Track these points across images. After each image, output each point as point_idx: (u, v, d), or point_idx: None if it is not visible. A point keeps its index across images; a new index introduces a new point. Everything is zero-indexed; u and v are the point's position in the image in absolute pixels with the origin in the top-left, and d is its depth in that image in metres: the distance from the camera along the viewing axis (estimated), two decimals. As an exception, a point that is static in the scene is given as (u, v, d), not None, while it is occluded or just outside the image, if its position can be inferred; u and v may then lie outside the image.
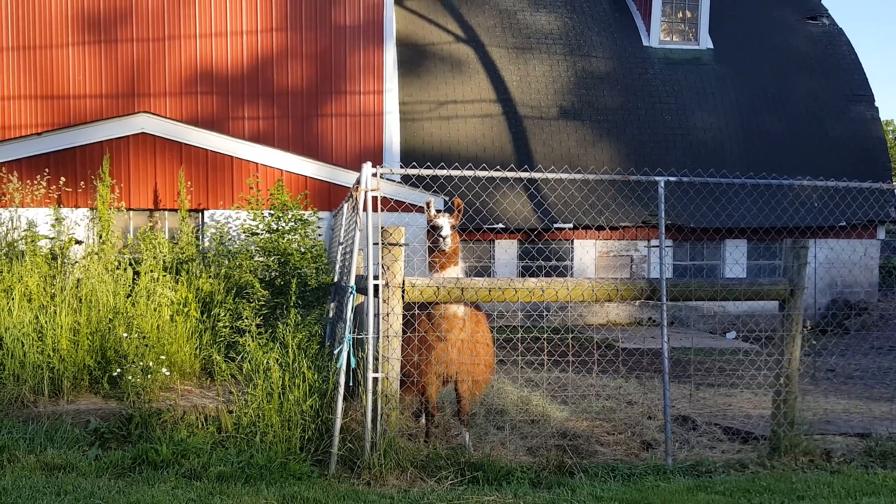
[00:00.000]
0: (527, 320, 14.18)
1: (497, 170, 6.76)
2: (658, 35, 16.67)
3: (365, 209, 6.22)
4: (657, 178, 6.94)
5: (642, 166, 14.66)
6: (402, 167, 12.71)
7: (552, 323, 14.97)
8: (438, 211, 6.73)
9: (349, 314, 6.20)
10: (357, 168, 6.25)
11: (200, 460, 5.95)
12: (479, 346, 6.74)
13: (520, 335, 7.18)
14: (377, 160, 13.32)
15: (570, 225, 14.66)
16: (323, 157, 12.83)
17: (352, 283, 6.26)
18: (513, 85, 15.47)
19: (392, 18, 13.87)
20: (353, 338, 6.23)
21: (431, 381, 6.62)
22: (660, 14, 16.58)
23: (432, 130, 14.75)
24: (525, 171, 7.01)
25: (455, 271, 6.64)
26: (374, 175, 6.30)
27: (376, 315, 6.22)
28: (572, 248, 15.19)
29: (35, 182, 8.80)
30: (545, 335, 7.62)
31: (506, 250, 14.75)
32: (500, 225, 14.26)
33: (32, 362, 6.82)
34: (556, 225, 14.63)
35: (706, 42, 16.97)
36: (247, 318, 6.52)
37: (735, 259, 15.34)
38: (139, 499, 5.25)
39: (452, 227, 6.60)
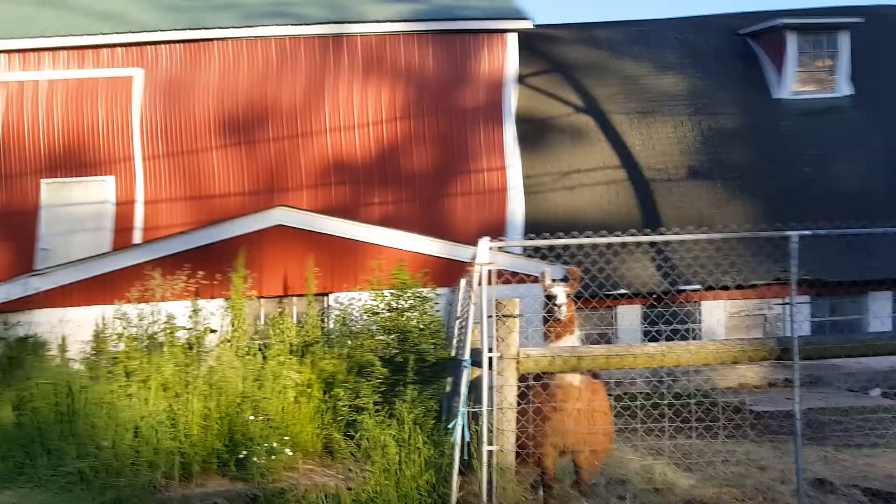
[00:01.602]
0: (658, 387, 13.44)
1: (616, 234, 6.57)
2: (790, 86, 15.91)
3: (480, 283, 6.21)
4: (789, 233, 6.49)
5: (779, 220, 13.72)
6: (525, 239, 12.66)
7: (679, 388, 14.09)
8: (554, 280, 6.62)
9: (464, 388, 6.15)
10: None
11: (322, 539, 5.95)
12: (596, 415, 6.48)
13: (638, 402, 6.79)
14: (500, 234, 13.31)
15: (697, 286, 13.91)
16: (448, 235, 12.99)
17: (466, 356, 6.23)
18: (636, 149, 15.17)
19: (511, 96, 14.11)
20: (468, 411, 6.13)
21: (548, 453, 6.43)
22: (795, 64, 15.83)
23: (556, 201, 14.64)
24: (645, 233, 6.76)
25: (571, 340, 6.48)
26: (491, 249, 6.32)
27: (490, 387, 6.11)
28: (699, 309, 14.39)
29: (175, 276, 9.44)
30: (666, 401, 7.19)
31: (627, 316, 14.19)
32: (622, 290, 13.76)
33: (166, 448, 7.13)
34: (681, 287, 13.90)
35: (845, 89, 16.01)
36: (364, 396, 6.56)
37: (877, 313, 13.99)
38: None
39: (568, 295, 6.50)
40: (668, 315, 13.99)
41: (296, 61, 14.06)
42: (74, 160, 13.93)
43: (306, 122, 13.96)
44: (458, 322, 7.55)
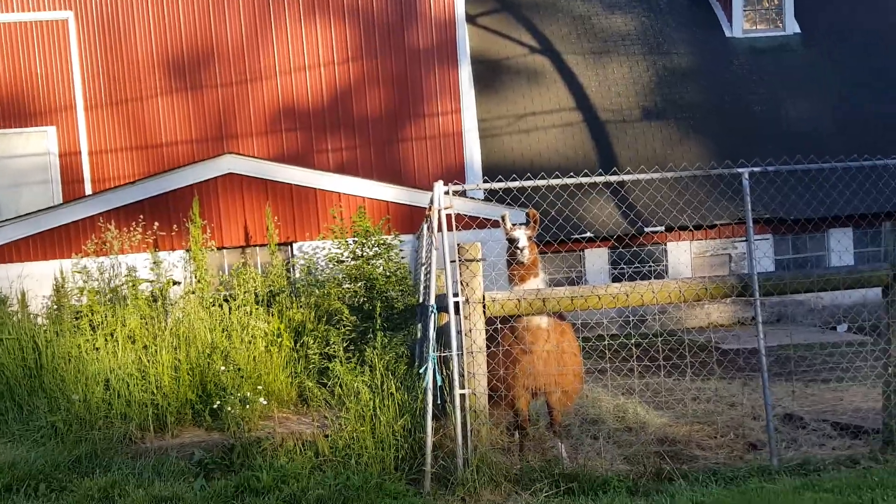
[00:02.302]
0: (625, 327, 13.82)
1: (570, 176, 6.68)
2: (741, 25, 16.08)
3: (440, 228, 6.24)
4: (740, 171, 6.67)
5: (734, 160, 14.09)
6: (485, 183, 12.71)
7: (652, 329, 14.51)
8: (514, 224, 6.68)
9: (432, 333, 6.23)
10: (439, 189, 6.29)
11: (299, 485, 6.07)
12: (565, 356, 6.63)
13: (606, 342, 7.00)
14: (459, 179, 13.36)
15: (662, 227, 14.24)
16: (406, 181, 12.99)
17: (432, 301, 6.29)
18: (592, 90, 15.24)
19: (465, 37, 13.95)
20: (438, 356, 6.25)
21: (520, 395, 6.56)
22: (741, 3, 16.00)
23: (512, 145, 14.69)
24: (600, 174, 6.87)
25: (535, 283, 6.57)
26: (447, 193, 6.33)
27: (459, 332, 6.22)
28: (666, 250, 14.74)
29: (132, 229, 9.31)
30: (633, 340, 7.41)
31: (595, 258, 14.46)
32: (589, 233, 13.99)
33: (138, 400, 7.15)
34: (647, 228, 14.23)
35: (793, 27, 16.24)
36: (334, 344, 6.64)
37: (839, 249, 14.50)
38: (242, 527, 5.40)
39: (529, 238, 6.55)
40: (636, 256, 14.33)
41: (237, -1, 13.63)
42: (12, 110, 13.40)
43: (254, 65, 13.62)
44: (423, 268, 7.61)
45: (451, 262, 6.25)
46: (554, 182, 6.65)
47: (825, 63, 15.91)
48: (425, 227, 7.87)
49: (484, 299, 6.28)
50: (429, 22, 13.79)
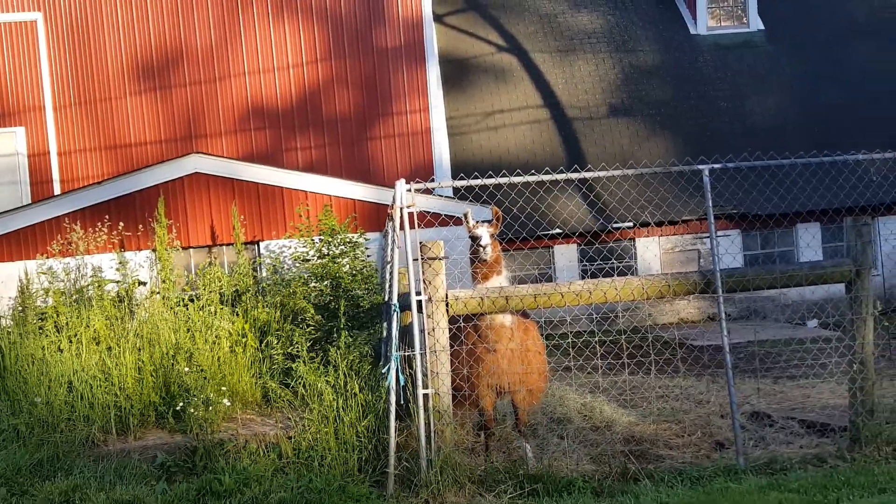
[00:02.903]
0: (592, 325, 13.91)
1: (532, 174, 6.70)
2: (705, 22, 16.26)
3: (402, 226, 6.25)
4: (700, 167, 6.75)
5: (700, 156, 14.23)
6: (453, 181, 12.72)
7: (622, 326, 14.60)
8: (477, 221, 6.70)
9: (394, 332, 6.23)
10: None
11: (262, 487, 6.04)
12: (530, 354, 6.65)
13: (570, 339, 7.04)
14: (427, 177, 13.36)
15: (630, 223, 14.35)
16: (375, 179, 12.99)
17: (394, 300, 6.29)
18: (559, 88, 15.33)
19: (433, 37, 13.97)
20: (402, 355, 6.25)
21: (485, 394, 6.56)
22: (706, 0, 16.18)
23: (481, 142, 14.75)
24: (560, 172, 6.90)
25: (499, 280, 6.59)
26: (409, 191, 6.34)
27: (421, 331, 6.23)
28: (634, 246, 14.87)
29: (97, 229, 9.24)
30: (597, 337, 7.44)
31: (565, 255, 14.56)
32: (557, 230, 14.08)
33: (101, 402, 7.09)
34: (614, 224, 14.34)
35: (756, 23, 16.44)
36: (297, 344, 6.62)
37: (807, 244, 14.70)
38: (201, 530, 5.38)
39: (492, 235, 6.57)
40: (604, 252, 14.42)
41: (205, 1, 13.53)
42: (-19, 110, 13.25)
43: (222, 65, 13.56)
44: (388, 266, 7.62)
45: (414, 260, 6.25)
46: (516, 180, 6.69)
47: (789, 58, 16.14)
48: (389, 225, 7.88)
49: (447, 297, 6.30)
50: (396, 22, 13.79)
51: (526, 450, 6.63)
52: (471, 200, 12.16)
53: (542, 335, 7.07)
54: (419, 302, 6.21)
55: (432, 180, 12.62)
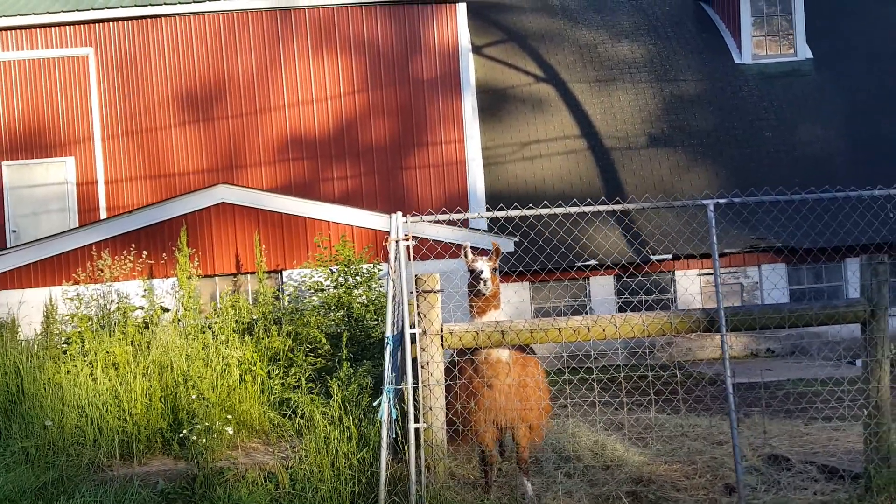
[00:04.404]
0: (631, 358, 13.62)
1: (559, 205, 6.57)
2: (750, 50, 15.91)
3: (397, 258, 6.24)
4: (705, 202, 6.55)
5: (744, 187, 13.87)
6: (487, 211, 12.70)
7: (658, 361, 14.25)
8: (476, 255, 6.63)
9: (387, 364, 6.19)
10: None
11: (255, 518, 6.08)
12: (528, 390, 6.51)
13: (594, 374, 6.86)
14: (462, 206, 13.43)
15: (669, 256, 14.02)
16: (409, 208, 13.08)
17: (387, 332, 6.26)
18: (597, 118, 15.20)
19: (469, 67, 14.07)
20: (394, 388, 6.21)
21: (484, 430, 6.45)
22: (750, 29, 15.85)
23: (516, 172, 14.70)
24: (574, 205, 6.77)
25: (496, 315, 6.49)
26: (405, 223, 6.34)
27: (415, 364, 6.18)
28: (674, 279, 14.50)
29: (124, 257, 9.55)
30: (622, 374, 7.24)
31: (601, 287, 14.30)
32: (593, 261, 13.85)
33: (110, 427, 7.25)
34: (653, 257, 14.04)
35: (804, 52, 16.01)
36: (294, 374, 6.66)
37: (852, 279, 14.10)
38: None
39: (492, 269, 6.48)
40: (640, 286, 14.12)
41: (247, 37, 14.00)
42: (34, 142, 13.95)
43: (262, 98, 13.96)
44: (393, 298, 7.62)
45: (410, 292, 6.23)
46: (528, 213, 6.59)
47: (838, 88, 15.64)
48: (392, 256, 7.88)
49: (442, 331, 6.25)
50: (433, 53, 13.96)
51: (526, 487, 6.48)
52: (507, 231, 12.11)
53: (545, 370, 6.93)
54: (413, 335, 6.17)
55: (458, 210, 12.69)
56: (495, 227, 13.48)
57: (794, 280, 14.63)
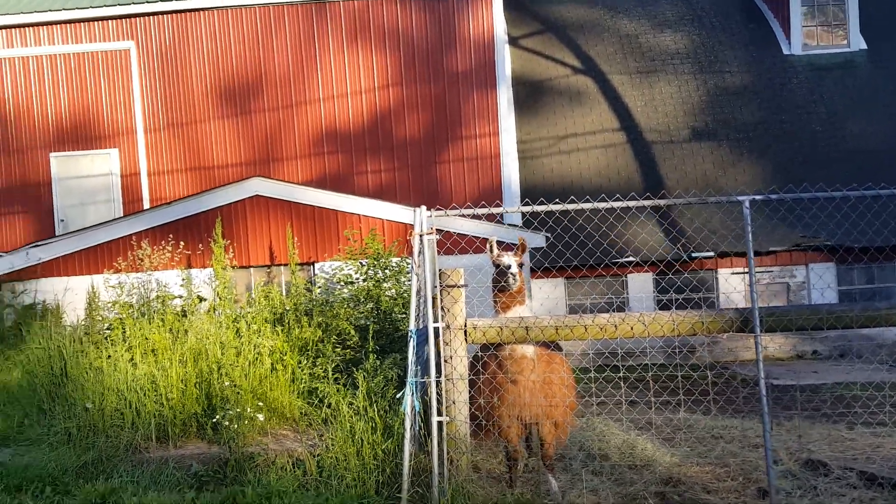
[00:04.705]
0: (674, 357, 13.42)
1: (586, 201, 6.53)
2: (800, 41, 15.49)
3: (420, 253, 6.26)
4: (740, 198, 6.40)
5: (791, 182, 13.52)
6: (524, 205, 12.64)
7: (702, 360, 13.97)
8: (501, 249, 6.61)
9: (411, 357, 6.23)
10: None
11: (281, 502, 6.18)
12: (553, 387, 6.48)
13: (637, 373, 6.79)
14: (496, 201, 13.36)
15: (710, 253, 13.75)
16: (442, 202, 13.12)
17: (411, 326, 6.29)
18: (637, 110, 14.98)
19: (504, 60, 13.99)
20: (417, 382, 6.24)
21: (508, 425, 6.44)
22: (800, 19, 15.42)
23: (552, 166, 14.58)
24: (590, 201, 6.69)
25: (521, 310, 6.46)
26: (429, 217, 6.35)
27: (438, 358, 6.20)
28: (715, 277, 14.23)
29: (162, 247, 9.79)
30: (667, 372, 7.13)
31: (638, 284, 14.11)
32: (630, 257, 13.69)
33: (147, 411, 7.46)
34: (695, 254, 13.78)
35: (858, 42, 15.51)
36: (320, 365, 6.74)
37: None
38: (213, 541, 5.54)
39: (519, 264, 6.45)
40: (681, 284, 13.88)
41: (284, 30, 14.16)
42: (80, 134, 14.36)
43: (298, 92, 14.13)
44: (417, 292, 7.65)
45: (434, 287, 6.25)
46: (554, 207, 6.53)
47: (892, 79, 15.10)
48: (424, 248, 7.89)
49: (465, 326, 6.25)
50: (468, 46, 13.93)
51: (551, 484, 6.46)
52: (545, 226, 12.03)
53: (571, 368, 6.88)
54: (436, 329, 6.18)
55: (497, 204, 12.64)
56: (535, 221, 13.37)
57: (844, 280, 14.21)
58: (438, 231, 10.89)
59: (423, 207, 6.30)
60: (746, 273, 14.25)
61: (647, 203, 6.45)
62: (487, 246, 6.58)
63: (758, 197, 6.47)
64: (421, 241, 6.25)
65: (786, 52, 15.56)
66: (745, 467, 7.10)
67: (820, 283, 13.73)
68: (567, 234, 11.90)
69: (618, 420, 8.25)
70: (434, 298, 6.26)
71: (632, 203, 6.46)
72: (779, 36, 15.77)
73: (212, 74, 14.14)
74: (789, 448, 7.53)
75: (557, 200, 7.23)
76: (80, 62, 14.35)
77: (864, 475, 6.68)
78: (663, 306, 13.94)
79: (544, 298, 13.63)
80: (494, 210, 6.27)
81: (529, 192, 13.76)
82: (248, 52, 14.14)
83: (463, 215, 6.37)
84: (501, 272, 6.32)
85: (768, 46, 15.67)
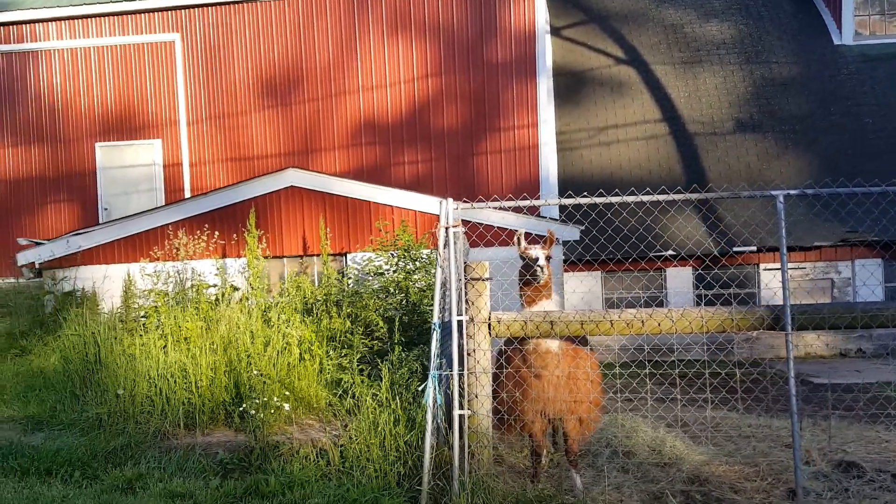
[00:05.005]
0: (718, 353, 13.19)
1: (615, 194, 6.40)
2: (852, 31, 14.97)
3: (446, 245, 6.22)
4: (775, 193, 6.20)
5: (839, 175, 13.15)
6: (562, 198, 12.51)
7: (738, 357, 13.70)
8: (529, 242, 6.53)
9: (434, 350, 6.20)
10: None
11: (303, 492, 6.22)
12: (579, 382, 6.39)
13: (647, 370, 6.68)
14: (534, 192, 13.25)
15: (753, 248, 13.42)
16: (479, 194, 13.04)
17: (434, 319, 6.26)
18: (680, 102, 14.66)
19: (545, 51, 13.83)
20: (440, 374, 6.21)
21: (532, 420, 6.37)
22: (851, 8, 14.90)
23: (591, 158, 14.37)
24: (631, 194, 6.56)
25: (548, 304, 6.38)
26: (455, 209, 6.30)
27: (461, 351, 6.16)
28: (758, 273, 13.89)
29: (197, 237, 9.93)
30: (677, 370, 7.00)
31: (680, 279, 13.84)
32: (671, 251, 13.43)
33: (177, 399, 7.57)
34: (735, 248, 13.47)
35: (912, 31, 14.96)
36: (347, 355, 6.76)
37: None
38: (232, 528, 5.60)
39: (547, 257, 6.37)
40: (722, 278, 13.59)
41: (325, 21, 14.21)
42: (125, 124, 14.65)
43: (338, 83, 14.18)
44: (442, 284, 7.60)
45: (458, 280, 6.21)
46: (582, 200, 6.43)
47: (947, 71, 14.52)
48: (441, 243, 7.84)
49: (489, 319, 6.19)
50: (508, 36, 13.79)
51: (575, 480, 6.38)
52: (588, 218, 11.87)
53: (599, 364, 6.79)
54: (459, 322, 6.14)
55: (525, 197, 12.51)
56: (577, 213, 13.20)
57: (891, 277, 13.76)
58: (470, 223, 10.90)
59: (450, 199, 6.25)
60: (789, 268, 13.88)
61: (677, 197, 6.29)
62: (515, 239, 6.52)
63: (792, 191, 6.26)
64: (446, 233, 6.21)
65: (836, 42, 15.06)
66: (775, 467, 6.93)
67: (870, 280, 13.30)
68: (610, 227, 11.74)
69: (650, 417, 8.13)
70: (459, 291, 6.23)
71: (661, 197, 6.31)
72: (829, 26, 15.27)
73: (253, 66, 14.29)
74: (822, 449, 7.32)
75: (585, 194, 7.14)
76: (127, 54, 14.64)
77: (898, 477, 6.49)
78: (707, 302, 13.68)
79: (584, 292, 13.48)
80: (521, 203, 6.19)
81: (568, 184, 13.60)
82: (289, 44, 14.24)
83: (492, 207, 6.31)
84: (528, 265, 6.26)
85: (818, 36, 15.19)
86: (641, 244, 12.95)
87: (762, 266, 13.82)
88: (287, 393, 7.64)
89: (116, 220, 11.48)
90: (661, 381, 9.15)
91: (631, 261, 12.43)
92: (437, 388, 6.11)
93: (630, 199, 6.30)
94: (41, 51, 14.72)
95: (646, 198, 6.33)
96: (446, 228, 6.24)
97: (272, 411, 7.37)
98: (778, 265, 13.78)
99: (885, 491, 6.40)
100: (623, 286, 13.89)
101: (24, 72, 14.75)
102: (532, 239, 8.28)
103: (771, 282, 13.73)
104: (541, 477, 6.58)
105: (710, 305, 8.04)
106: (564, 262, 12.99)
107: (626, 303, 13.66)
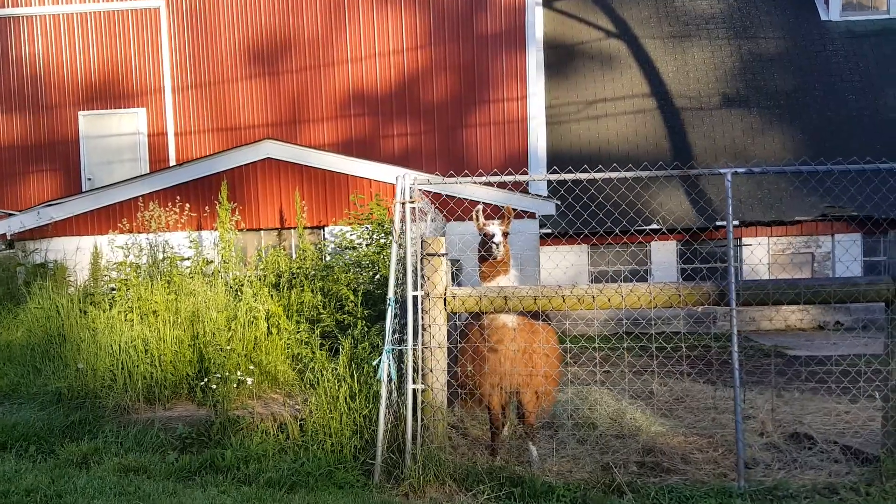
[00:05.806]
0: (696, 326, 13.25)
1: (599, 170, 6.36)
2: (839, 7, 14.78)
3: (402, 221, 6.21)
4: (723, 171, 6.17)
5: (822, 154, 13.10)
6: (549, 172, 12.45)
7: (723, 329, 13.74)
8: (486, 218, 6.53)
9: (388, 325, 6.22)
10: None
11: (259, 466, 6.26)
12: (535, 356, 6.43)
13: (626, 343, 6.70)
14: (522, 166, 13.19)
15: (736, 222, 13.40)
16: (468, 167, 12.99)
17: (389, 294, 6.28)
18: (668, 76, 14.54)
19: (536, 22, 13.67)
20: (395, 349, 6.24)
21: (489, 393, 6.43)
22: (840, -20, 14.73)
23: (580, 132, 14.29)
24: (614, 170, 6.49)
25: (505, 280, 6.41)
26: (411, 186, 6.28)
27: (415, 326, 6.19)
28: (740, 247, 13.88)
29: (169, 209, 9.87)
30: (656, 343, 7.03)
31: (662, 253, 13.84)
32: (655, 225, 13.41)
33: (139, 373, 7.54)
34: (719, 222, 13.46)
35: (897, 8, 14.78)
36: (312, 330, 6.77)
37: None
38: (183, 501, 5.63)
39: (504, 233, 6.38)
40: (707, 253, 13.59)
41: (314, -11, 14.03)
42: (108, 92, 14.51)
43: (326, 53, 14.03)
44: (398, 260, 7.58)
45: (412, 255, 6.22)
46: (552, 177, 6.39)
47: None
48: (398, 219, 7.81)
49: (445, 294, 6.21)
50: (499, 8, 13.63)
51: (532, 451, 6.45)
52: (573, 192, 11.81)
53: (559, 337, 6.83)
54: (415, 297, 6.16)
55: (525, 172, 12.45)
56: (562, 189, 13.15)
57: (870, 251, 13.76)
58: (455, 199, 10.82)
59: (407, 173, 6.24)
60: (772, 243, 13.86)
61: (628, 175, 6.25)
62: (474, 214, 6.52)
63: (740, 170, 6.21)
64: (403, 209, 6.20)
65: (823, 17, 14.91)
66: (729, 439, 7.01)
67: (847, 255, 13.30)
68: (593, 203, 11.71)
69: (621, 389, 8.18)
70: (415, 266, 6.24)
71: (613, 175, 6.27)
72: (818, 1, 15.08)
73: (240, 34, 14.13)
74: (780, 420, 7.38)
75: (555, 169, 7.10)
76: (111, 20, 14.48)
77: (848, 449, 6.59)
78: (686, 276, 13.72)
79: (567, 266, 13.50)
80: (492, 178, 6.17)
81: (556, 158, 13.54)
82: (276, 13, 14.07)
83: (463, 182, 6.29)
84: (483, 241, 6.29)
85: (805, 12, 15.02)
86: (624, 219, 12.93)
87: (743, 240, 13.82)
88: (252, 367, 7.64)
89: (90, 191, 11.42)
90: (640, 355, 9.19)
91: (616, 235, 12.41)
92: (391, 362, 6.14)
93: (598, 175, 6.27)
94: (23, 16, 14.56)
95: (613, 174, 6.30)
96: (402, 204, 6.23)
97: (234, 385, 7.38)
98: (759, 238, 13.78)
99: (833, 462, 6.47)
100: (607, 260, 13.90)
101: (5, 38, 14.61)
102: (488, 214, 8.24)
103: (752, 256, 13.73)
104: (499, 449, 6.64)
105: (689, 280, 7.96)
106: (549, 236, 12.98)
107: (611, 277, 13.68)
